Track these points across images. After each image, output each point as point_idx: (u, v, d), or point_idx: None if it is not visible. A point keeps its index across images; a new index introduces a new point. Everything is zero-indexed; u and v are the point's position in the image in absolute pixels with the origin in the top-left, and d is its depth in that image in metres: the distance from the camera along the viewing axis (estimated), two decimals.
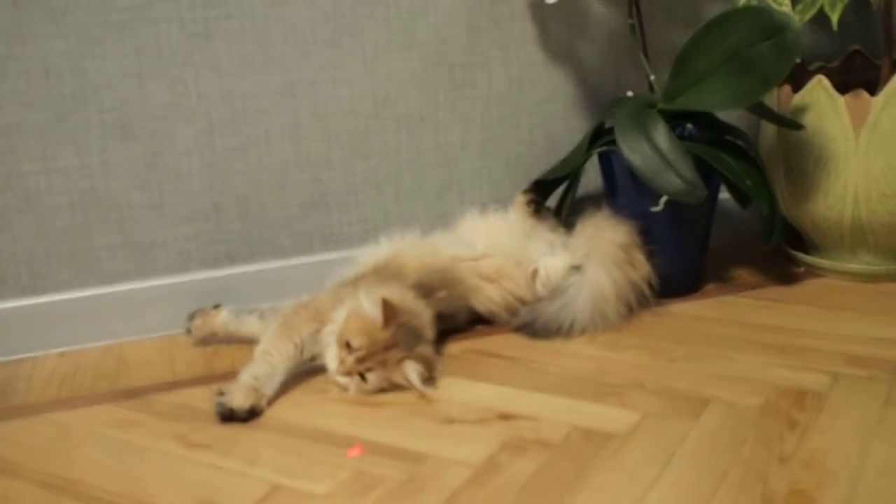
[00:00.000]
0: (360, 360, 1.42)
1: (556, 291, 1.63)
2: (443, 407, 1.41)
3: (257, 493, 1.21)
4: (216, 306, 1.67)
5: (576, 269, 1.64)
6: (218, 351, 1.64)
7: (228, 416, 1.39)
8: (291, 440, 1.33)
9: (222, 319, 1.65)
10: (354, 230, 1.81)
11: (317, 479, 1.23)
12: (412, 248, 1.62)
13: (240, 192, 1.73)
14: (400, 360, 1.42)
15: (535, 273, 1.65)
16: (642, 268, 1.65)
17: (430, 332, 1.51)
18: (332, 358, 1.45)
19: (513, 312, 1.65)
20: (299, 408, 1.43)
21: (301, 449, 1.31)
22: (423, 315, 1.50)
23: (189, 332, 1.66)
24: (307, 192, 1.77)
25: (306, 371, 1.53)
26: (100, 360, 1.64)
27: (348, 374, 1.43)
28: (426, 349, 1.47)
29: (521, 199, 1.73)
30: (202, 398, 1.47)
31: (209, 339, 1.67)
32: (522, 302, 1.65)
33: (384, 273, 1.57)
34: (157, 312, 1.71)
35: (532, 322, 1.62)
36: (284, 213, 1.76)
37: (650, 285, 1.65)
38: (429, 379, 1.44)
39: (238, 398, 1.39)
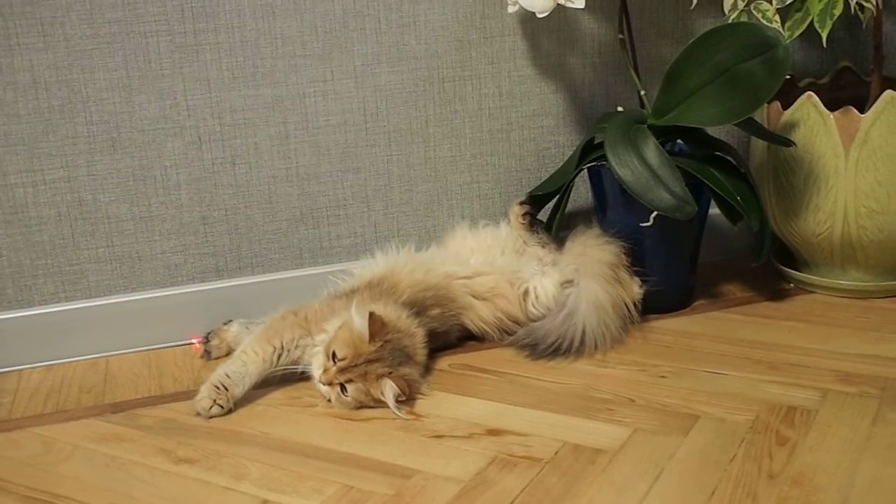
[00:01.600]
0: (342, 371, 1.41)
1: (555, 307, 1.62)
2: (432, 422, 1.40)
3: None
4: (227, 322, 1.68)
5: (567, 283, 1.64)
6: (206, 364, 1.63)
7: (200, 414, 1.44)
8: (279, 455, 1.32)
9: (233, 333, 1.66)
10: (343, 244, 1.80)
11: (304, 495, 1.22)
12: (406, 265, 1.62)
13: (228, 205, 1.73)
14: (380, 376, 1.41)
15: (526, 293, 1.65)
16: (629, 287, 1.66)
17: (420, 354, 1.50)
18: (317, 366, 1.45)
19: (505, 331, 1.64)
20: (287, 423, 1.42)
21: (288, 464, 1.30)
22: (414, 336, 1.49)
23: (209, 354, 1.66)
24: (296, 205, 1.76)
25: (293, 386, 1.52)
26: (86, 373, 1.63)
27: (329, 383, 1.42)
28: (411, 371, 1.46)
29: (516, 211, 1.74)
30: (189, 412, 1.46)
31: (230, 354, 1.65)
32: (515, 321, 1.65)
33: (378, 289, 1.56)
34: (144, 326, 1.70)
35: (536, 342, 1.60)
36: (273, 226, 1.76)
37: (636, 306, 1.65)
38: (405, 401, 1.43)
39: (203, 400, 1.44)
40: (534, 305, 1.64)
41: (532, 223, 1.73)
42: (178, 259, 1.72)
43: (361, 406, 1.44)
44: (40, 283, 1.66)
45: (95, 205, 1.66)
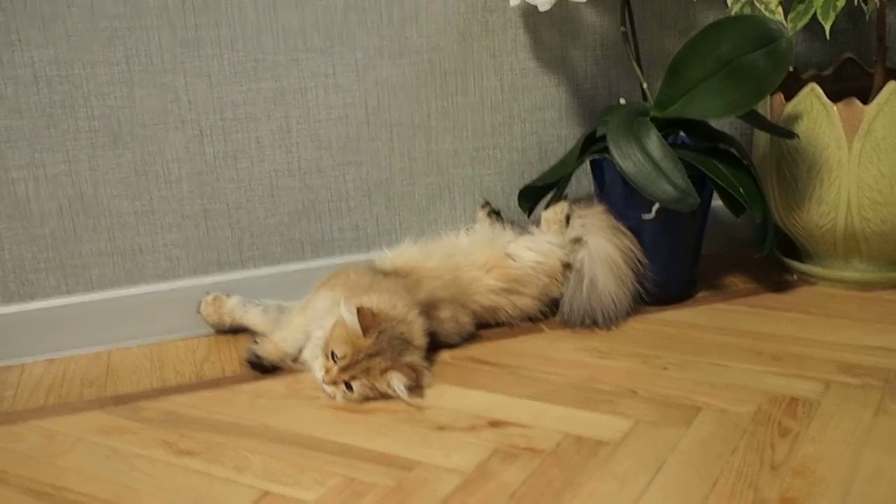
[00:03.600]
0: (344, 370, 1.41)
1: (574, 275, 1.66)
2: (433, 414, 1.40)
3: (246, 500, 1.20)
4: (229, 295, 1.71)
5: (576, 241, 1.67)
6: (208, 357, 1.63)
7: (256, 364, 1.55)
8: (280, 447, 1.32)
9: (230, 307, 1.69)
10: (345, 237, 1.80)
11: (306, 486, 1.22)
12: (430, 260, 1.63)
13: (230, 199, 1.73)
14: (384, 370, 1.41)
15: (508, 256, 1.67)
16: (630, 235, 1.69)
17: (419, 338, 1.50)
18: (318, 367, 1.46)
19: (511, 294, 1.66)
20: (288, 415, 1.42)
21: (290, 456, 1.30)
22: (411, 322, 1.49)
23: (199, 308, 1.70)
24: (298, 199, 1.76)
25: (295, 378, 1.52)
26: (88, 366, 1.63)
27: (333, 383, 1.42)
28: (413, 357, 1.46)
29: (480, 214, 1.81)
30: (191, 405, 1.46)
31: (219, 326, 1.70)
32: (518, 282, 1.66)
33: (401, 279, 1.58)
34: (146, 319, 1.70)
35: (572, 320, 1.66)
36: (275, 219, 1.76)
37: (643, 255, 1.68)
38: (415, 388, 1.43)
39: (268, 349, 1.54)
40: (518, 258, 1.67)
41: (499, 219, 1.79)
42: (179, 252, 1.72)
43: (369, 400, 1.44)
44: (42, 277, 1.66)
45: (97, 199, 1.66)
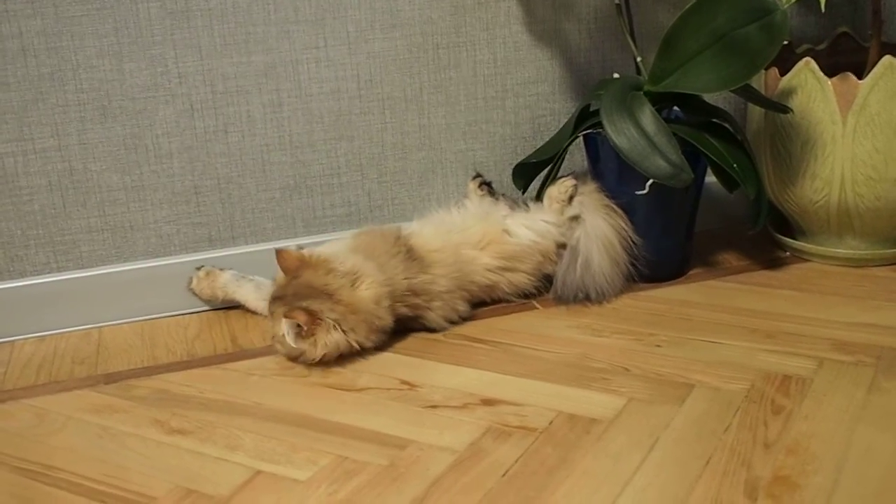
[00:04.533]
0: (270, 303, 1.51)
1: (569, 253, 1.66)
2: (426, 392, 1.40)
3: (238, 479, 1.20)
4: (223, 269, 1.71)
5: (573, 219, 1.67)
6: (199, 335, 1.63)
7: None
8: (272, 425, 1.32)
9: (223, 281, 1.68)
10: (337, 213, 1.79)
11: (298, 465, 1.22)
12: (436, 245, 1.62)
13: (221, 174, 1.71)
14: (283, 315, 1.45)
15: (504, 231, 1.66)
16: (623, 214, 1.68)
17: (348, 295, 1.47)
18: None
19: (507, 272, 1.65)
20: (280, 393, 1.41)
21: (282, 434, 1.30)
22: (360, 287, 1.49)
23: (190, 282, 1.70)
24: (289, 174, 1.75)
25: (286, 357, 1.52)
26: (79, 344, 1.62)
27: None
28: (320, 307, 1.45)
29: (472, 185, 1.79)
30: (182, 383, 1.46)
31: (211, 300, 1.70)
32: (516, 258, 1.65)
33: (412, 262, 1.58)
34: (136, 296, 1.69)
35: (565, 296, 1.66)
36: (266, 195, 1.74)
37: (635, 234, 1.68)
38: (307, 336, 1.45)
39: None
40: (512, 243, 1.66)
41: (491, 191, 1.77)
42: (170, 229, 1.71)
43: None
44: (32, 254, 1.65)
45: (86, 174, 1.64)
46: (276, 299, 1.48)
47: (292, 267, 1.48)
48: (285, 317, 1.43)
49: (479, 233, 1.65)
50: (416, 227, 1.65)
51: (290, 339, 1.43)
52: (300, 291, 1.46)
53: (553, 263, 1.67)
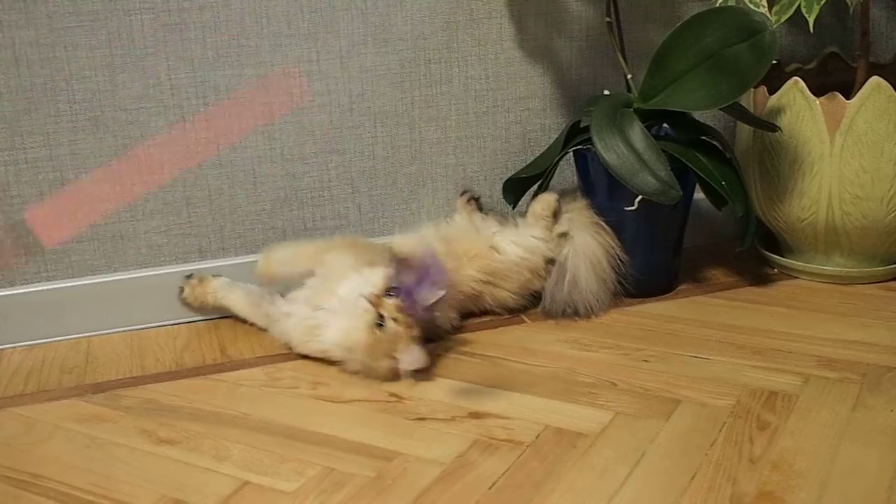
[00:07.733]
0: None
1: (557, 269, 1.66)
2: (413, 405, 1.40)
3: (225, 489, 1.20)
4: (216, 275, 1.71)
5: (562, 235, 1.68)
6: (188, 345, 1.63)
7: None
8: (260, 436, 1.32)
9: (214, 286, 1.68)
10: (328, 225, 1.79)
11: (286, 477, 1.22)
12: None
13: (212, 185, 1.72)
14: None
15: (492, 248, 1.67)
16: (611, 232, 1.69)
17: None
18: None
19: (492, 285, 1.66)
20: (268, 404, 1.41)
21: (270, 445, 1.30)
22: None
23: (181, 292, 1.69)
24: (280, 186, 1.75)
25: (276, 367, 1.52)
26: (67, 353, 1.62)
27: None
28: None
29: (461, 201, 1.80)
30: (171, 393, 1.46)
31: (202, 306, 1.70)
32: (498, 275, 1.66)
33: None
34: (126, 306, 1.69)
35: (553, 311, 1.67)
36: (257, 207, 1.75)
37: (623, 252, 1.69)
38: None
39: None
40: (498, 260, 1.67)
41: (480, 207, 1.79)
42: (160, 239, 1.71)
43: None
44: (22, 263, 1.65)
45: (77, 184, 1.65)
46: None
47: None
48: None
49: (467, 246, 1.66)
50: (400, 239, 1.67)
51: None
52: None
53: (542, 279, 1.68)
